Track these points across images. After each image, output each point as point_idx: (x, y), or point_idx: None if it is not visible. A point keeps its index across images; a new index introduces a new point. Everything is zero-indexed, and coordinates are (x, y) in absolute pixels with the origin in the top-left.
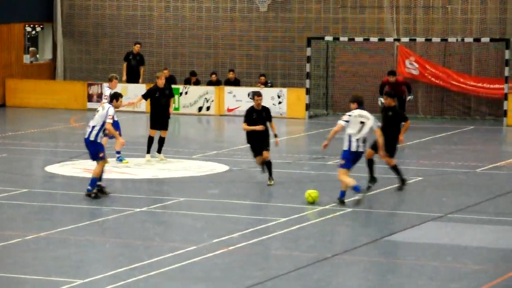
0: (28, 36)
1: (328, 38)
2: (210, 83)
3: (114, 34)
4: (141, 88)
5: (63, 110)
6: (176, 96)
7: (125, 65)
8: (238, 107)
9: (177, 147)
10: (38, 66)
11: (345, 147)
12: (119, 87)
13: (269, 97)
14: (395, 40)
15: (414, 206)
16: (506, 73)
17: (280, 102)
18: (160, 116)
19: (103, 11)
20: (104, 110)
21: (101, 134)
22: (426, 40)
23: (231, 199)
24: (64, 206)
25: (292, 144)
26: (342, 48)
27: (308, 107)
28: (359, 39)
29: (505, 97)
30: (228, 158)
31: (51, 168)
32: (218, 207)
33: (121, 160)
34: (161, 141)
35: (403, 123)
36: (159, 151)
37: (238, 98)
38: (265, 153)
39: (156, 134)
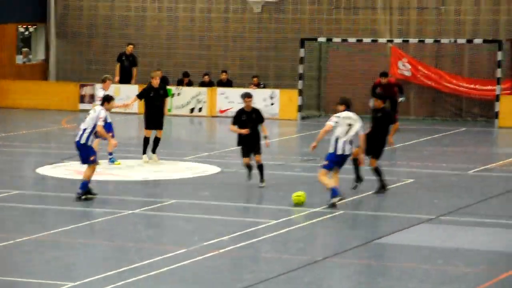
0: (21, 36)
1: (322, 39)
2: (202, 84)
3: (107, 35)
4: (133, 89)
5: (55, 111)
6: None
7: (118, 66)
8: (230, 109)
9: (169, 148)
10: (31, 67)
11: (331, 150)
12: (112, 88)
13: (261, 98)
14: (388, 41)
15: (405, 208)
16: (499, 75)
17: (272, 104)
18: (154, 116)
19: (96, 12)
20: (96, 113)
21: (92, 137)
22: (419, 41)
23: (223, 201)
24: (56, 208)
25: (284, 145)
26: (335, 49)
27: (300, 108)
28: (352, 40)
29: (497, 98)
30: (220, 160)
31: (43, 170)
32: (209, 209)
33: (113, 161)
34: (156, 141)
35: (391, 125)
36: (153, 151)
37: (231, 100)
38: (257, 156)
39: (152, 135)
